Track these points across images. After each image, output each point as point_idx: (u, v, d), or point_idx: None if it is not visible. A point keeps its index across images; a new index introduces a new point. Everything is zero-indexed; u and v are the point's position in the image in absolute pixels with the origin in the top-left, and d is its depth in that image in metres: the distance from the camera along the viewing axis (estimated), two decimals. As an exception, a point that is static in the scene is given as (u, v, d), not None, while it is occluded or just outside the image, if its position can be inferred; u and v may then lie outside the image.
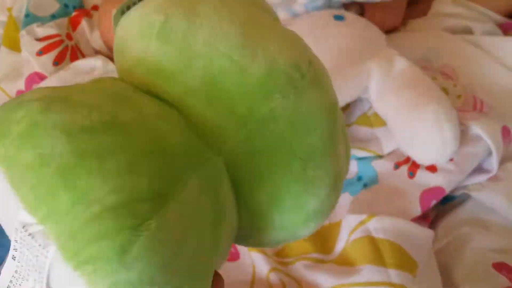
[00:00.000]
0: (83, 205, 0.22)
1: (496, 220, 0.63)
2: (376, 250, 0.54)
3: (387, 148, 0.66)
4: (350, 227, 0.59)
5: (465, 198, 0.66)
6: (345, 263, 0.56)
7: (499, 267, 0.59)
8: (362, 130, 0.68)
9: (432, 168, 0.63)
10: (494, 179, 0.64)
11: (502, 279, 0.57)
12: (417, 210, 0.61)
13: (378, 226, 0.57)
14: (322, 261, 0.59)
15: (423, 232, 0.58)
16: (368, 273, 0.53)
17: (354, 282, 0.53)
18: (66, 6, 0.83)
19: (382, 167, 0.65)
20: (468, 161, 0.63)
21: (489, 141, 0.62)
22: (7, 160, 0.23)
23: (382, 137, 0.66)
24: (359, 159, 0.66)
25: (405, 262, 0.53)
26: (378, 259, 0.53)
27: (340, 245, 0.59)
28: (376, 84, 0.62)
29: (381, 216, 0.58)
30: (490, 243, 0.61)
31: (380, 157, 0.66)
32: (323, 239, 0.61)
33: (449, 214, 0.65)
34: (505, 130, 0.64)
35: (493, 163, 0.63)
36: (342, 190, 0.62)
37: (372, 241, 0.55)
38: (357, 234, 0.57)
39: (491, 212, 0.64)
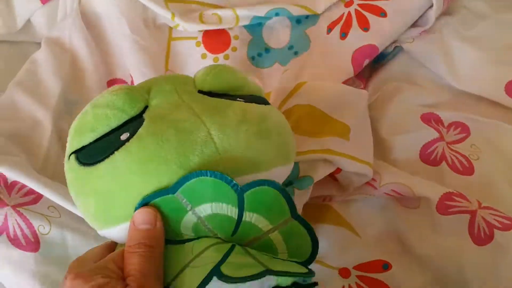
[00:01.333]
0: None
1: (426, 75, 0.65)
2: (303, 119, 0.54)
3: (321, 4, 0.64)
4: (281, 98, 0.58)
5: (397, 52, 0.66)
6: None
7: (427, 118, 0.61)
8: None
9: (365, 25, 0.62)
10: (429, 31, 0.64)
11: (430, 131, 0.60)
12: (350, 71, 0.61)
13: (308, 93, 0.56)
14: None
15: (355, 94, 0.57)
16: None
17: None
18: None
19: (315, 33, 0.64)
20: (403, 16, 0.62)
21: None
22: None
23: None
24: (292, 26, 0.65)
25: (334, 128, 0.54)
26: (304, 129, 0.53)
27: None
28: None
29: (311, 82, 0.56)
30: (419, 98, 0.63)
31: (314, 18, 0.65)
32: None
33: (381, 71, 0.66)
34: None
35: (431, 16, 0.63)
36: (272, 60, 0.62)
37: (300, 109, 0.55)
38: (288, 105, 0.57)
39: (421, 66, 0.65)
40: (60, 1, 0.63)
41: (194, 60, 0.64)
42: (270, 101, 0.57)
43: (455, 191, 0.53)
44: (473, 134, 0.60)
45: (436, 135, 0.59)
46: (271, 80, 0.64)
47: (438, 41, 0.64)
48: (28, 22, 0.64)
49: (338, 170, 0.54)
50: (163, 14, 0.63)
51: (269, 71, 0.65)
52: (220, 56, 0.64)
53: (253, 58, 0.65)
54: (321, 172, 0.52)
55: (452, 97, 0.64)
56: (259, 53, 0.65)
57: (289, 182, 0.52)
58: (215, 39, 0.64)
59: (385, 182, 0.56)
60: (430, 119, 0.61)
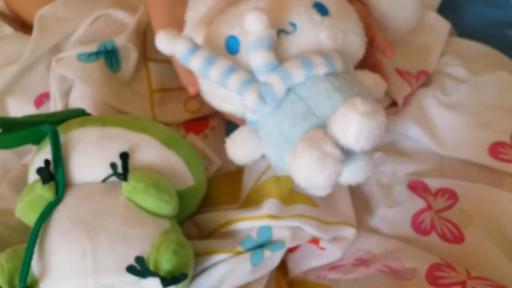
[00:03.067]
0: None
1: (411, 144, 0.66)
2: (278, 184, 0.56)
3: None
4: (259, 170, 0.60)
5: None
6: (252, 204, 0.58)
7: (414, 186, 0.62)
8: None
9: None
10: (407, 104, 0.67)
11: (418, 201, 0.60)
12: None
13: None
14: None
15: None
16: (268, 207, 0.54)
17: (254, 216, 0.55)
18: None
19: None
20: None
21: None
22: None
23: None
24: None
25: (302, 198, 0.56)
26: (279, 193, 0.55)
27: (246, 189, 0.61)
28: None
29: None
30: (405, 167, 0.64)
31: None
32: (231, 184, 0.63)
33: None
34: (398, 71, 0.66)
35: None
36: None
37: (277, 180, 0.57)
38: (267, 175, 0.59)
39: (405, 136, 0.66)
40: (51, 104, 0.69)
41: None
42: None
43: (443, 262, 0.54)
44: (461, 200, 0.60)
45: (423, 204, 0.60)
46: None
47: (417, 112, 0.65)
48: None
49: (316, 241, 0.55)
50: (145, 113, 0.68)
51: None
52: (199, 136, 0.67)
53: None
54: (296, 239, 0.54)
55: (439, 163, 0.64)
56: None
57: (260, 245, 0.54)
58: (195, 122, 0.69)
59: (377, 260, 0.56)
60: (417, 187, 0.62)
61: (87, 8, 0.73)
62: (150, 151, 0.53)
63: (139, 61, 0.70)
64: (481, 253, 0.55)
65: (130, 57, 0.69)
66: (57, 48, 0.74)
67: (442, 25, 0.72)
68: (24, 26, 0.79)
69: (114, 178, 0.50)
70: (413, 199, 0.60)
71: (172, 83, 0.71)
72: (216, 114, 0.68)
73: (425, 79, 0.67)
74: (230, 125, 0.67)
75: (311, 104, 0.49)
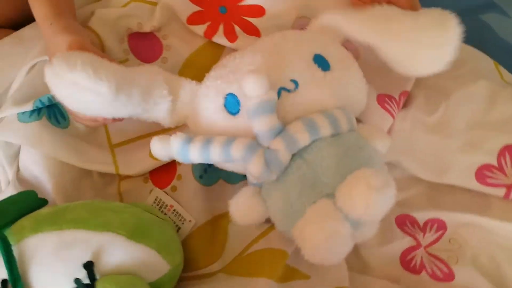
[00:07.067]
0: None
1: (395, 173, 0.62)
2: (273, 262, 0.53)
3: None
4: (251, 236, 0.57)
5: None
6: (239, 273, 0.55)
7: (402, 221, 0.60)
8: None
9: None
10: (392, 129, 0.62)
11: (406, 239, 0.59)
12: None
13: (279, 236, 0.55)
14: (210, 275, 0.57)
15: None
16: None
17: None
18: None
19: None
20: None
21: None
22: None
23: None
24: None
25: (297, 274, 0.53)
26: (274, 273, 0.52)
27: (232, 251, 0.58)
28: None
29: None
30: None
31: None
32: (208, 242, 0.59)
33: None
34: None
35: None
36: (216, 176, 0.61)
37: (271, 253, 0.55)
38: (259, 246, 0.56)
39: (389, 166, 0.61)
40: (0, 173, 0.62)
41: (143, 197, 0.62)
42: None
43: None
44: (450, 229, 0.58)
45: (412, 242, 0.58)
46: (219, 198, 0.61)
47: (399, 139, 0.61)
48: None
49: None
50: (107, 171, 0.62)
51: (214, 188, 0.62)
52: (167, 189, 0.61)
53: (201, 177, 0.61)
54: None
55: (426, 189, 0.61)
56: (205, 169, 0.62)
57: None
58: (162, 172, 0.62)
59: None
60: (405, 222, 0.60)
61: (20, 56, 0.64)
62: (117, 252, 0.48)
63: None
64: (472, 289, 0.55)
65: None
66: (-4, 102, 0.65)
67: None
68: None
69: (81, 291, 0.46)
70: (401, 237, 0.58)
71: (134, 131, 0.64)
72: None
73: (405, 98, 0.62)
74: (196, 166, 0.62)
75: (318, 171, 0.48)
